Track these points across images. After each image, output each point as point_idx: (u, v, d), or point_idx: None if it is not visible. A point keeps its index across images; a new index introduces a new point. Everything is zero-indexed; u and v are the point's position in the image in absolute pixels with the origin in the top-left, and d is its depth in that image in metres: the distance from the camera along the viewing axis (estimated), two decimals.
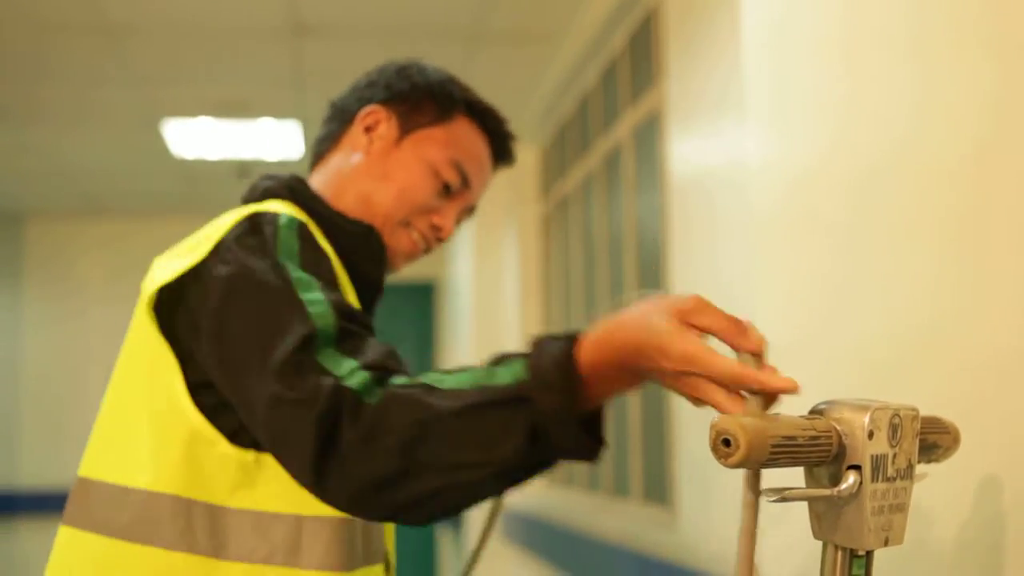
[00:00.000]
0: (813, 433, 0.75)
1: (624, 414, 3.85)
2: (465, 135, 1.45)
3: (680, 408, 2.95)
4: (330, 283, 1.16)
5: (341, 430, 0.98)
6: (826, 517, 0.80)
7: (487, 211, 5.89)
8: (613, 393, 0.98)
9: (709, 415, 0.76)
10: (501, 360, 1.02)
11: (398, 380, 1.02)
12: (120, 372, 1.29)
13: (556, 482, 5.09)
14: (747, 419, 0.72)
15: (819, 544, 0.82)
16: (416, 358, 8.72)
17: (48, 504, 7.87)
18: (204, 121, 5.64)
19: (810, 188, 1.42)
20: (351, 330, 1.09)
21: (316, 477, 1.00)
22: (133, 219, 8.24)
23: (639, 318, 0.93)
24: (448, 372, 1.02)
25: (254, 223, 1.19)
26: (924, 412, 0.85)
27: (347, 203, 1.40)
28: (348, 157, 1.44)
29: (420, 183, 1.41)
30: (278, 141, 5.97)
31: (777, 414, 0.76)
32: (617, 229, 4.04)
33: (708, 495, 2.78)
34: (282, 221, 1.20)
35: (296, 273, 1.13)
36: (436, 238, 1.45)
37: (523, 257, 5.56)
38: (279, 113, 5.59)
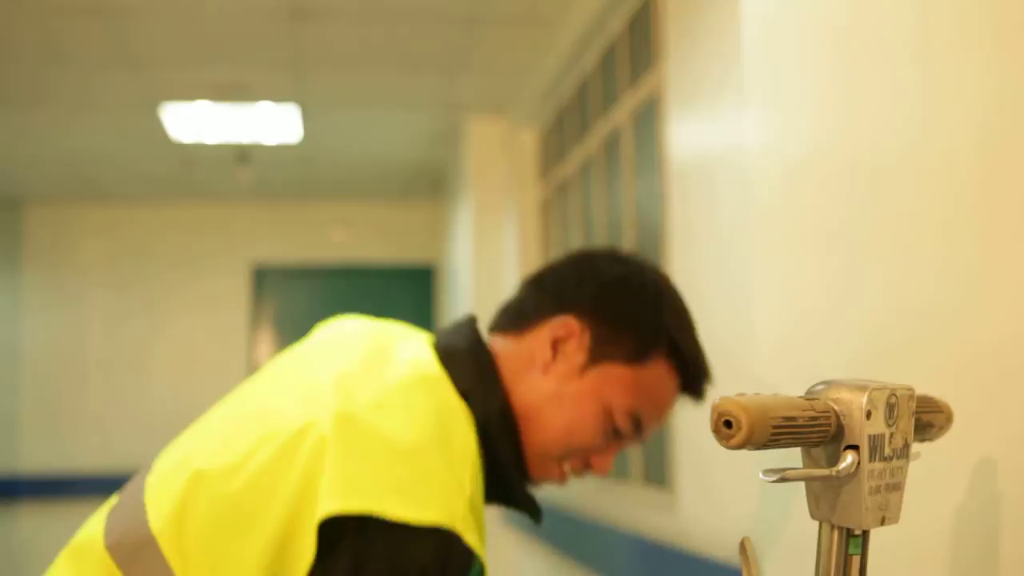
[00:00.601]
0: (812, 413, 0.76)
1: None
2: (656, 382, 1.31)
3: None
4: None
5: None
6: (823, 497, 0.81)
7: (486, 195, 5.89)
8: None
9: (706, 402, 0.77)
10: None
11: None
12: (220, 483, 1.11)
13: None
14: (748, 400, 0.73)
15: (815, 524, 0.83)
16: None
17: (49, 489, 7.90)
18: (203, 105, 5.64)
19: (811, 172, 1.42)
20: None
21: None
22: (132, 204, 8.24)
23: None
24: None
25: (447, 560, 1.06)
26: (919, 392, 0.86)
27: (514, 403, 1.28)
28: (527, 357, 1.31)
29: (590, 424, 1.29)
30: (277, 125, 5.97)
31: (775, 394, 0.77)
32: (616, 213, 4.05)
33: (708, 478, 2.80)
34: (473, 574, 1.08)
35: None
36: (585, 473, 1.35)
37: (522, 241, 5.56)
38: (278, 97, 5.59)
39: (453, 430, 1.16)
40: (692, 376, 1.34)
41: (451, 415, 1.18)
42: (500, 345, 1.33)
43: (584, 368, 1.29)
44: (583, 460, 1.32)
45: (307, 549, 1.04)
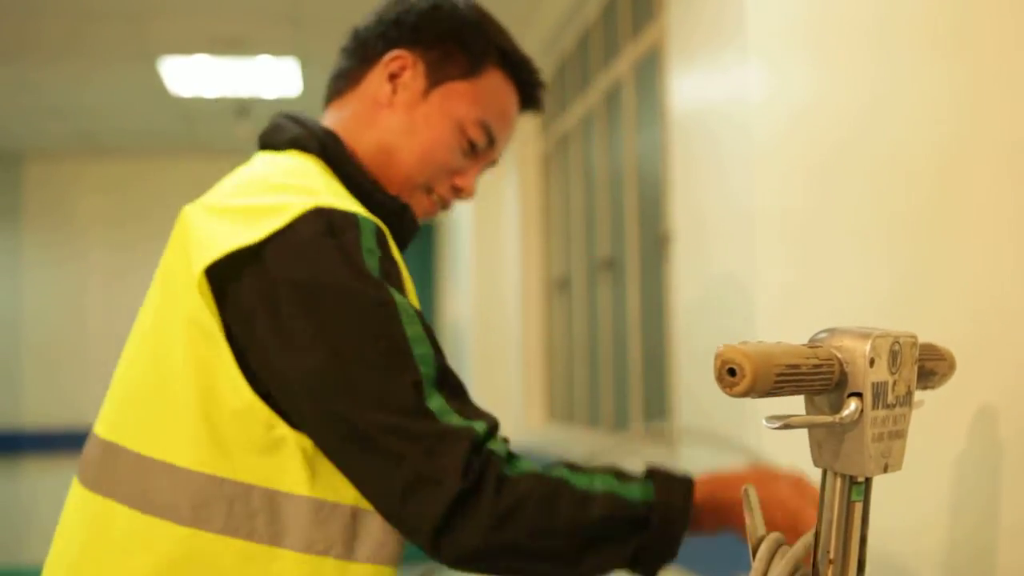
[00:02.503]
0: (816, 361, 0.76)
1: (624, 350, 3.88)
2: (496, 90, 1.37)
3: (680, 344, 2.97)
4: (415, 314, 1.13)
5: (480, 496, 1.06)
6: (826, 444, 0.81)
7: None
8: (696, 533, 1.15)
9: (709, 353, 0.77)
10: (623, 472, 1.15)
11: (527, 462, 1.11)
12: (152, 334, 1.19)
13: (557, 417, 5.13)
14: (752, 348, 0.73)
15: (818, 472, 0.84)
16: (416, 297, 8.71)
17: (51, 443, 7.94)
18: (201, 58, 5.60)
19: (811, 124, 1.42)
20: (454, 380, 1.13)
21: (438, 532, 1.06)
22: (132, 158, 8.21)
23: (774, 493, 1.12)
24: (575, 470, 1.13)
25: (331, 223, 1.12)
26: (922, 340, 0.86)
27: (364, 151, 1.32)
28: (368, 102, 1.35)
29: (446, 142, 1.34)
30: (276, 79, 5.93)
31: (779, 342, 0.77)
32: (617, 166, 4.03)
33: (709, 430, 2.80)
34: (363, 227, 1.13)
35: (397, 297, 1.11)
36: (456, 198, 1.40)
37: (523, 195, 5.55)
38: (277, 50, 5.55)
39: (299, 173, 1.22)
40: (527, 82, 1.41)
41: (293, 169, 1.24)
42: (335, 114, 1.37)
43: (426, 92, 1.34)
44: (449, 184, 1.38)
45: (204, 310, 1.11)
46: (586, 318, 4.54)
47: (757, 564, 0.87)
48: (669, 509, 1.12)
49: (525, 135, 5.63)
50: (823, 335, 0.81)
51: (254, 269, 1.11)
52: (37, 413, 8.11)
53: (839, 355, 0.78)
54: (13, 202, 8.29)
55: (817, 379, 0.77)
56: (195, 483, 1.10)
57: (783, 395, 0.76)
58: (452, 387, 1.12)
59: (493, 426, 1.11)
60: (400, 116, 1.33)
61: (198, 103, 6.59)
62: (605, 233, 4.19)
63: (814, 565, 0.83)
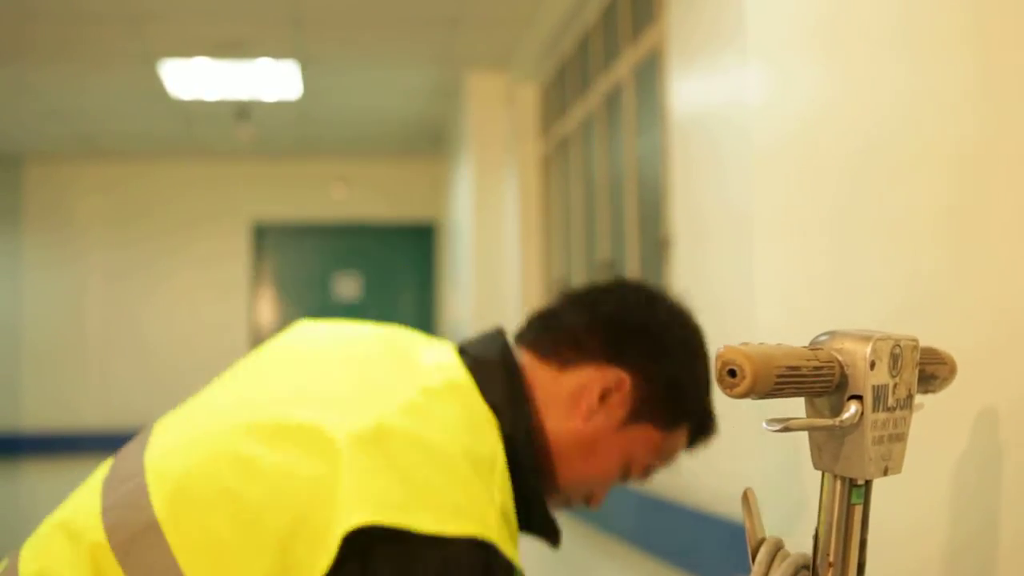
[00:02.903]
0: (816, 363, 0.76)
1: None
2: (677, 445, 1.32)
3: None
4: None
5: None
6: (826, 447, 0.81)
7: (486, 151, 5.87)
8: None
9: (709, 353, 0.77)
10: None
11: None
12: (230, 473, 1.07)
13: None
14: (752, 349, 0.73)
15: (818, 475, 0.83)
16: (416, 299, 8.74)
17: (50, 445, 7.94)
18: (201, 61, 5.60)
19: (811, 127, 1.42)
20: None
21: None
22: (131, 161, 8.22)
23: None
24: None
25: (488, 567, 1.03)
26: (922, 344, 0.86)
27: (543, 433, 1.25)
28: (566, 396, 1.27)
29: (611, 476, 1.29)
30: (276, 81, 5.94)
31: (779, 344, 0.77)
32: (617, 169, 4.03)
33: None
34: None
35: None
36: (581, 507, 1.35)
37: (523, 197, 5.55)
38: (277, 53, 5.55)
39: (483, 440, 1.13)
40: (703, 438, 1.35)
41: (480, 425, 1.14)
42: (533, 366, 1.28)
43: (623, 424, 1.27)
44: (586, 497, 1.32)
45: (320, 558, 0.99)
46: None
47: (757, 567, 0.86)
48: None
49: (525, 136, 5.63)
50: (824, 337, 0.80)
51: (393, 550, 1.02)
52: (36, 416, 8.11)
53: (840, 357, 0.78)
54: (13, 204, 8.29)
55: (817, 381, 0.77)
56: None
57: (783, 397, 0.76)
58: None
59: None
60: (590, 431, 1.26)
61: (198, 106, 6.59)
62: (605, 235, 4.19)
63: (813, 568, 0.83)
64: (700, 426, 1.33)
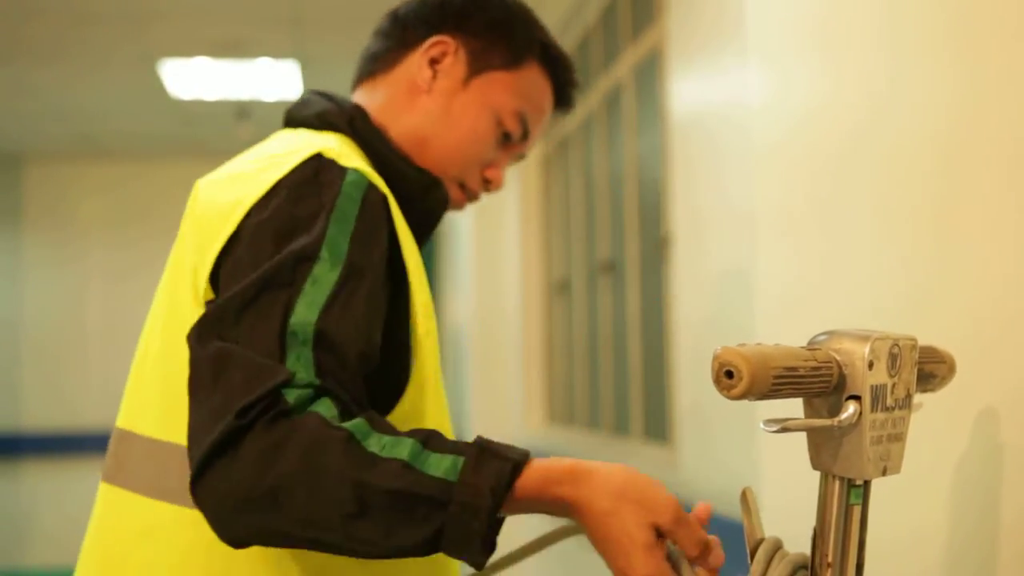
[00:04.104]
0: (814, 364, 0.76)
1: (625, 353, 3.87)
2: (534, 83, 1.35)
3: (680, 347, 2.97)
4: (360, 274, 1.06)
5: (250, 433, 0.93)
6: (825, 447, 0.81)
7: None
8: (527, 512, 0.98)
9: (708, 355, 0.77)
10: (439, 443, 0.96)
11: (331, 409, 0.96)
12: (164, 319, 1.18)
13: (557, 420, 5.13)
14: (749, 350, 0.73)
15: (816, 475, 0.83)
16: None
17: (51, 445, 7.94)
18: (201, 61, 5.60)
19: (811, 126, 1.42)
20: (334, 349, 1.02)
21: (199, 469, 0.94)
22: (132, 161, 8.21)
23: (611, 504, 0.96)
24: (384, 431, 0.96)
25: (318, 174, 1.10)
26: (921, 343, 0.86)
27: (398, 135, 1.30)
28: (405, 86, 1.32)
29: (482, 133, 1.32)
30: (276, 81, 5.94)
31: (777, 345, 0.77)
32: (618, 169, 4.03)
33: (708, 433, 2.80)
34: (348, 181, 1.10)
35: (325, 259, 1.04)
36: (485, 191, 1.38)
37: (523, 198, 5.54)
38: (277, 53, 5.55)
39: (325, 140, 1.19)
40: (563, 79, 1.39)
41: (320, 139, 1.20)
42: (367, 95, 1.35)
43: (466, 80, 1.32)
44: (479, 176, 1.36)
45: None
46: (586, 321, 4.54)
47: (755, 567, 0.86)
48: (474, 495, 0.92)
49: None
50: (822, 337, 0.80)
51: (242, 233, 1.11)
52: (37, 416, 8.11)
53: (838, 357, 0.78)
54: (13, 204, 8.29)
55: (815, 382, 0.77)
56: (182, 459, 1.04)
57: (781, 398, 0.76)
58: (325, 353, 1.01)
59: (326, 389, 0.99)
60: (438, 103, 1.31)
61: (198, 105, 6.59)
62: (605, 236, 4.19)
63: (812, 568, 0.83)
64: (546, 56, 1.37)
